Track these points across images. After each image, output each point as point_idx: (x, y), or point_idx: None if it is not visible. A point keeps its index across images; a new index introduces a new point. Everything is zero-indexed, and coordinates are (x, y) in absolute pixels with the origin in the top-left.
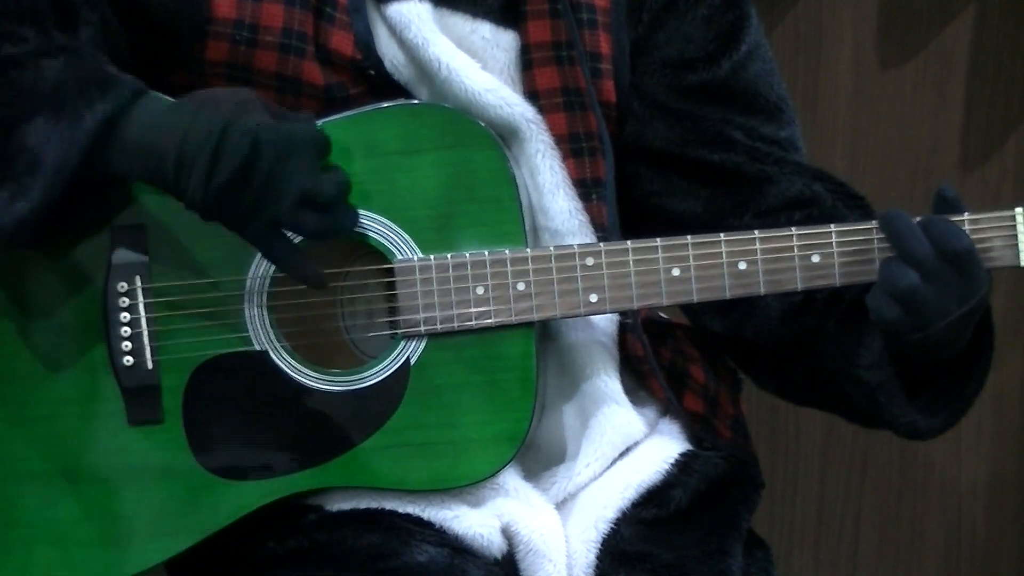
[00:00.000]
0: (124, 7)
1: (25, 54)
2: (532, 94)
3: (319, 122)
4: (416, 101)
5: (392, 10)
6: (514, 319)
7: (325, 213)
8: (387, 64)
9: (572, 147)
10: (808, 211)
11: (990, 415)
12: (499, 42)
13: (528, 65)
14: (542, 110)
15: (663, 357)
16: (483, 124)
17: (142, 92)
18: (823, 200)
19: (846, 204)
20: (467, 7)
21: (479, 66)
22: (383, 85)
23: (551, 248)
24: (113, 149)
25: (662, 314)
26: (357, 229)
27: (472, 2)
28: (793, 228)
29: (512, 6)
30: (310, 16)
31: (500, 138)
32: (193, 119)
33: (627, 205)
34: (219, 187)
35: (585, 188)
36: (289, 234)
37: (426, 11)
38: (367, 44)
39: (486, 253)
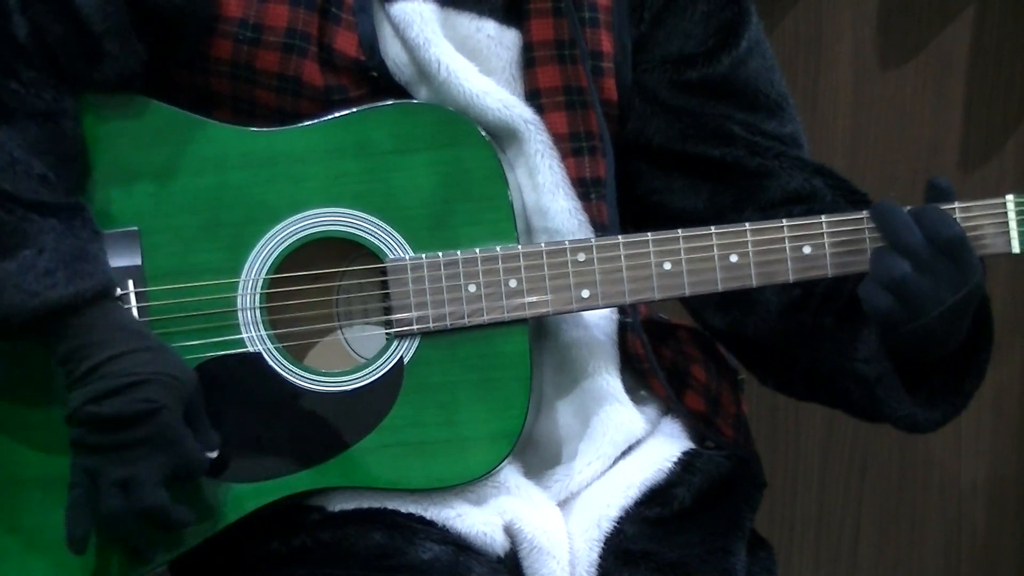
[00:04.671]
0: (133, 5)
1: (30, 203)
2: (534, 92)
3: (317, 121)
4: (409, 100)
5: (396, 8)
6: (507, 316)
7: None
8: (389, 64)
9: (572, 146)
10: (809, 206)
11: (990, 414)
12: (503, 40)
13: (530, 63)
14: (543, 108)
15: (664, 357)
16: (476, 124)
17: (105, 294)
18: (823, 195)
19: (847, 200)
20: (472, 5)
21: (477, 69)
22: (385, 87)
23: (542, 244)
24: (49, 321)
25: (662, 315)
26: (351, 230)
27: (477, 0)
28: (784, 220)
29: (515, 5)
30: (315, 17)
31: (499, 140)
32: (124, 348)
33: (628, 203)
34: (94, 413)
35: (584, 187)
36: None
37: (429, 11)
38: (371, 45)
39: (477, 251)
